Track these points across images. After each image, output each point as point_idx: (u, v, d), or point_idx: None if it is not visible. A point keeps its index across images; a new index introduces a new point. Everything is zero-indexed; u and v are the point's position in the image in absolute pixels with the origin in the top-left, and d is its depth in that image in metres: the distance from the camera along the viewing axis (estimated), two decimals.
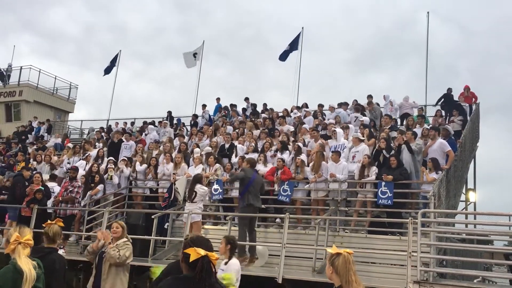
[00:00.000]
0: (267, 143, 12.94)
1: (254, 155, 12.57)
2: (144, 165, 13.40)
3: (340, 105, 17.28)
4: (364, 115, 15.80)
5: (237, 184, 11.96)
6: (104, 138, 18.66)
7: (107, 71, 27.72)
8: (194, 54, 25.61)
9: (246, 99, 21.22)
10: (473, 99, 16.80)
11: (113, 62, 27.60)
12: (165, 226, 11.17)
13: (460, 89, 17.20)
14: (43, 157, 15.51)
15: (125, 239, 6.56)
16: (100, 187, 12.37)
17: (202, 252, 2.96)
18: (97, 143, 17.26)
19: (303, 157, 11.63)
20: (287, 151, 12.49)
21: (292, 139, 13.89)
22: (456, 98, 16.76)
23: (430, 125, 13.47)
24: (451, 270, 8.74)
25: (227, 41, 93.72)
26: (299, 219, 10.92)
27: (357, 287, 3.25)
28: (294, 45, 23.79)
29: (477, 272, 9.80)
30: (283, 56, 23.89)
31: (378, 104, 17.00)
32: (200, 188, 10.27)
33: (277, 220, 11.01)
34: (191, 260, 2.94)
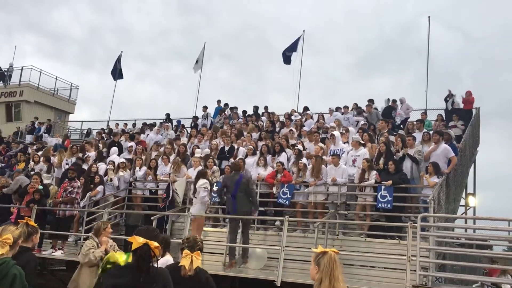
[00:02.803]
0: (265, 146, 12.92)
1: (253, 158, 12.59)
2: (143, 168, 13.41)
3: (338, 108, 17.31)
4: (366, 118, 15.83)
5: None
6: (105, 139, 18.66)
7: (117, 74, 27.62)
8: (198, 60, 25.94)
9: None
10: (472, 104, 16.79)
11: (118, 64, 27.59)
12: (166, 226, 11.18)
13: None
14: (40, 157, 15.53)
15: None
16: (99, 188, 12.38)
17: (141, 240, 3.16)
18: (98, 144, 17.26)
19: (305, 160, 11.64)
20: (284, 153, 12.48)
21: (293, 142, 13.88)
22: (459, 102, 16.79)
23: (431, 130, 13.47)
24: (450, 275, 8.72)
25: (230, 44, 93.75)
26: (299, 222, 10.92)
27: (338, 285, 3.23)
28: (293, 47, 23.79)
29: (476, 277, 9.77)
30: (287, 60, 23.89)
31: (376, 109, 17.00)
32: (200, 182, 10.26)
33: (277, 223, 11.01)
34: (132, 248, 3.17)
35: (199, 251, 4.24)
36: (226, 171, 12.41)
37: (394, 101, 17.02)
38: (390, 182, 9.97)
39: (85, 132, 26.52)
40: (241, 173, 10.14)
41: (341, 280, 3.26)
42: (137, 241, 3.16)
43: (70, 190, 11.63)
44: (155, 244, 3.19)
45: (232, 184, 9.73)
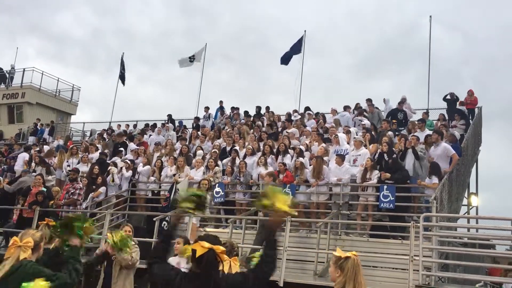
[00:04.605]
0: (267, 146, 12.91)
1: (253, 158, 12.58)
2: (147, 167, 13.43)
3: (346, 108, 17.28)
4: (367, 118, 15.80)
5: (239, 187, 12.03)
6: (107, 140, 18.69)
7: (122, 78, 27.67)
8: (190, 57, 25.62)
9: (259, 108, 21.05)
10: (475, 103, 16.78)
11: (122, 67, 27.61)
12: (162, 225, 11.17)
13: (463, 95, 17.20)
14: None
15: (133, 242, 6.61)
16: (102, 189, 12.38)
17: (207, 245, 3.00)
18: (98, 145, 17.29)
19: (303, 160, 11.61)
20: (288, 155, 12.49)
21: (296, 142, 13.89)
22: (461, 101, 16.79)
23: (433, 129, 13.45)
24: (453, 275, 8.72)
25: (232, 45, 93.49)
26: (301, 222, 10.91)
27: None
28: (296, 48, 23.71)
29: (479, 277, 9.75)
30: (285, 60, 23.79)
31: (378, 108, 16.96)
32: None
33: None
34: (197, 255, 2.99)
35: (236, 257, 4.18)
36: (227, 172, 12.39)
37: (400, 102, 16.88)
38: (388, 175, 10.01)
39: (87, 133, 26.57)
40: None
41: (363, 285, 3.34)
42: (203, 246, 3.01)
43: (72, 191, 11.64)
44: (222, 248, 3.07)
45: None
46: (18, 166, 16.07)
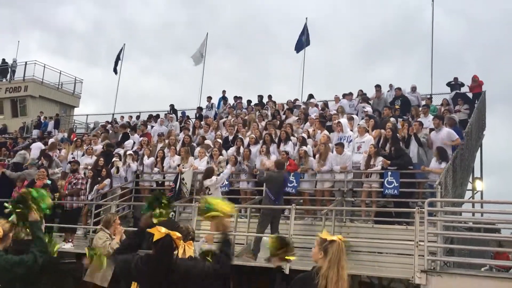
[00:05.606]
0: (267, 135, 12.86)
1: (256, 147, 12.57)
2: (151, 158, 13.47)
3: (344, 95, 17.20)
4: (370, 105, 15.71)
5: (243, 176, 12.06)
6: (110, 131, 18.70)
7: (118, 68, 27.64)
8: (202, 53, 25.69)
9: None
10: (481, 85, 16.61)
11: (118, 57, 27.52)
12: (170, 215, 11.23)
13: (467, 80, 17.07)
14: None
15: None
16: (107, 181, 12.43)
17: (163, 230, 3.10)
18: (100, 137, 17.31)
19: (306, 148, 11.61)
20: (291, 142, 12.46)
21: (300, 130, 13.86)
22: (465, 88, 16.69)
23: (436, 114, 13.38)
24: (458, 259, 8.74)
25: (233, 35, 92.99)
26: (306, 209, 10.93)
27: (343, 272, 3.36)
28: (307, 39, 23.49)
29: (484, 261, 9.76)
30: (299, 48, 23.60)
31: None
32: (208, 182, 10.26)
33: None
34: (154, 239, 3.10)
35: (191, 241, 4.42)
36: (231, 160, 12.39)
37: (397, 88, 16.74)
38: (388, 162, 10.00)
39: (91, 125, 26.58)
40: (285, 173, 10.05)
41: (346, 268, 3.40)
42: (159, 231, 3.10)
43: (74, 182, 11.68)
44: (178, 234, 3.16)
45: (277, 185, 9.53)
46: (34, 155, 16.08)
